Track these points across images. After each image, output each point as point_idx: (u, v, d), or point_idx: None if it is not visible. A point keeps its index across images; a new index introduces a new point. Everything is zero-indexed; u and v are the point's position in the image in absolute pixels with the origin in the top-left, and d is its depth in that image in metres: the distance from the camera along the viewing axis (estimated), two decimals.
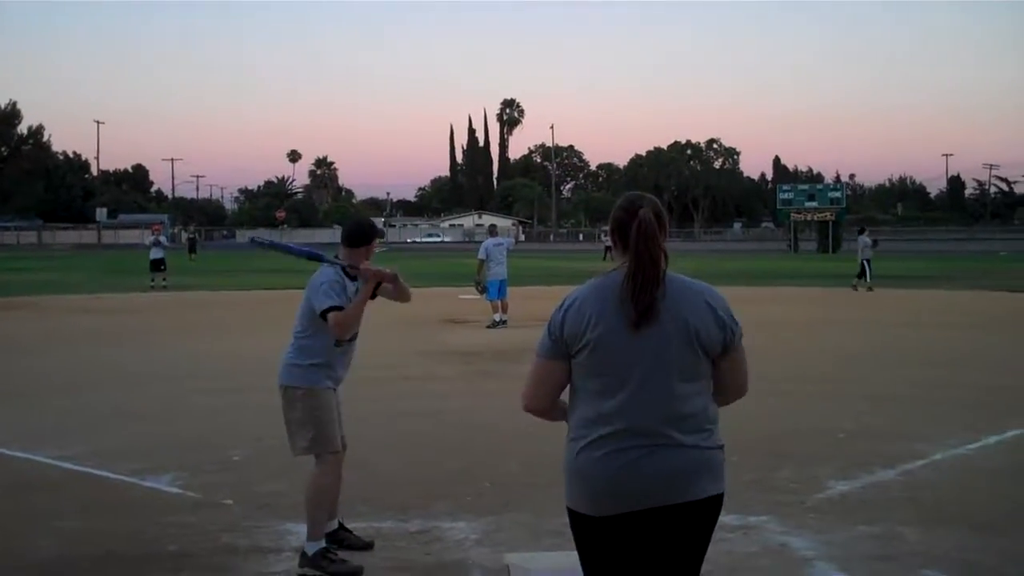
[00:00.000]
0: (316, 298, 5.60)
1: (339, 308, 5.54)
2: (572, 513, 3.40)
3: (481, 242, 20.74)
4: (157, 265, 31.96)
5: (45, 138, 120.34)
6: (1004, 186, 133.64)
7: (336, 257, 5.81)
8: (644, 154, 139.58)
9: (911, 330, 18.88)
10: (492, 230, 22.12)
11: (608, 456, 3.29)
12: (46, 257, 65.74)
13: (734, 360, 3.44)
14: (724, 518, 6.39)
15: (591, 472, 3.31)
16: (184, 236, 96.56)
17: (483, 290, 19.36)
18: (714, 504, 3.37)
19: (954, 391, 11.60)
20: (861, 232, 31.91)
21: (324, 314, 5.53)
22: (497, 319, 18.99)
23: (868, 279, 29.31)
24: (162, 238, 33.02)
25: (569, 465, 3.38)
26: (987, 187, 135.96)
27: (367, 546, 6.00)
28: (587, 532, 3.38)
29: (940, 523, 6.45)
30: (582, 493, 3.34)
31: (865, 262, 29.54)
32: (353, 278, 5.71)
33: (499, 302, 19.24)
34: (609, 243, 3.40)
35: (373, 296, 5.83)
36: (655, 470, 3.27)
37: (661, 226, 3.37)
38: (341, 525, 6.05)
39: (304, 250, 5.93)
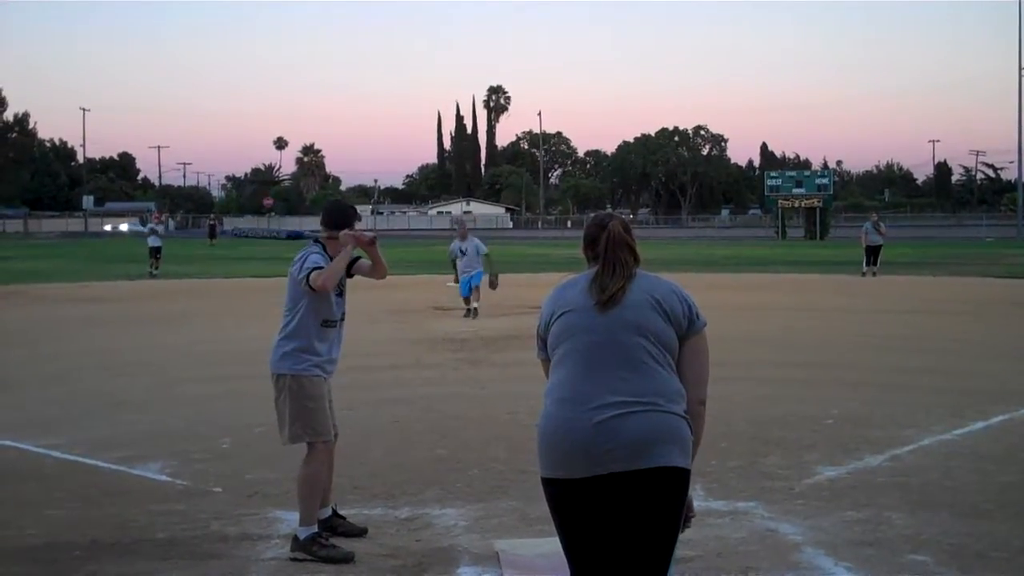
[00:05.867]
0: (302, 268, 5.69)
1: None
2: (542, 480, 3.57)
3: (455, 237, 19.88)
4: (155, 252, 31.88)
5: (31, 126, 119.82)
6: (990, 172, 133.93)
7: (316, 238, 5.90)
8: (632, 140, 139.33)
9: (897, 316, 18.93)
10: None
11: (569, 419, 3.47)
12: (32, 245, 65.46)
13: (696, 344, 3.63)
14: (712, 503, 6.48)
15: (552, 433, 3.51)
16: (171, 222, 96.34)
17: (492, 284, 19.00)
18: (678, 476, 3.46)
19: (940, 377, 11.65)
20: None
21: (307, 277, 5.62)
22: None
23: (864, 265, 29.34)
24: (159, 227, 32.77)
25: (538, 428, 3.59)
26: (974, 173, 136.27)
27: (361, 532, 6.02)
28: (552, 498, 3.56)
29: (927, 508, 6.48)
30: (545, 455, 3.54)
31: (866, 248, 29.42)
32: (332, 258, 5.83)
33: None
34: None
35: (351, 275, 5.91)
36: (619, 434, 3.41)
37: (629, 235, 3.73)
38: (334, 512, 6.07)
39: (290, 233, 6.03)
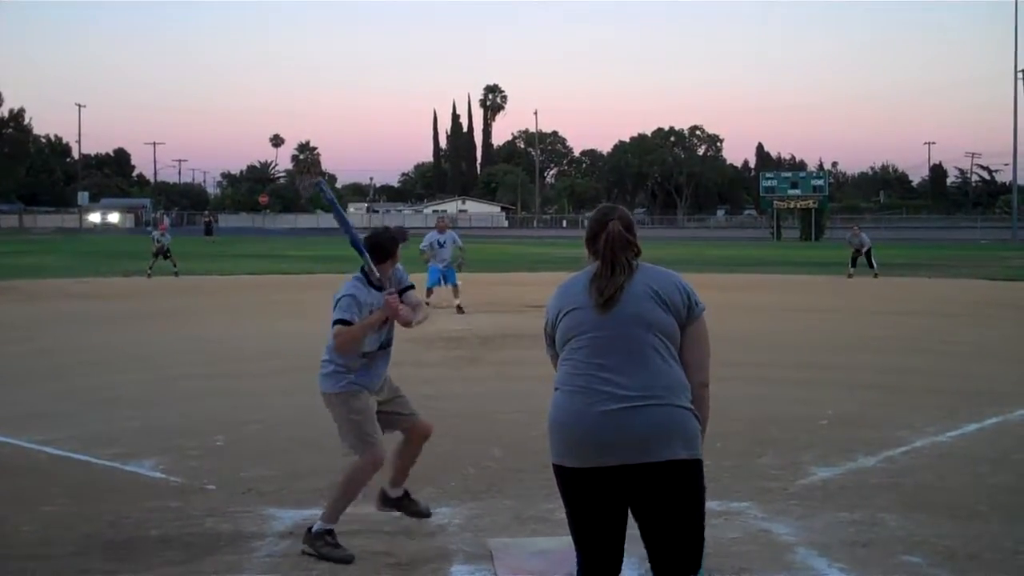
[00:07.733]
0: (333, 310, 5.70)
1: (348, 323, 5.63)
2: (553, 467, 3.64)
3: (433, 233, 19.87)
4: (166, 254, 31.61)
5: (26, 121, 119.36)
6: (986, 175, 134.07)
7: (368, 259, 5.81)
8: (628, 140, 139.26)
9: (892, 317, 18.96)
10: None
11: (579, 411, 3.55)
12: (27, 241, 65.31)
13: (697, 330, 3.69)
14: (706, 504, 6.47)
15: (562, 422, 3.59)
16: (167, 219, 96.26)
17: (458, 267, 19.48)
18: (687, 468, 3.53)
19: (934, 379, 11.67)
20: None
21: (334, 324, 5.64)
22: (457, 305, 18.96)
23: (851, 266, 29.74)
24: (165, 236, 32.23)
25: (548, 417, 3.66)
26: (969, 176, 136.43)
27: (426, 514, 6.25)
28: (562, 484, 3.64)
29: (920, 509, 6.50)
30: (555, 443, 3.62)
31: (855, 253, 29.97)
32: (378, 288, 5.79)
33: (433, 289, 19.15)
34: None
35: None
36: (627, 427, 3.47)
37: (631, 232, 3.75)
38: (407, 493, 6.24)
39: (354, 235, 5.90)
